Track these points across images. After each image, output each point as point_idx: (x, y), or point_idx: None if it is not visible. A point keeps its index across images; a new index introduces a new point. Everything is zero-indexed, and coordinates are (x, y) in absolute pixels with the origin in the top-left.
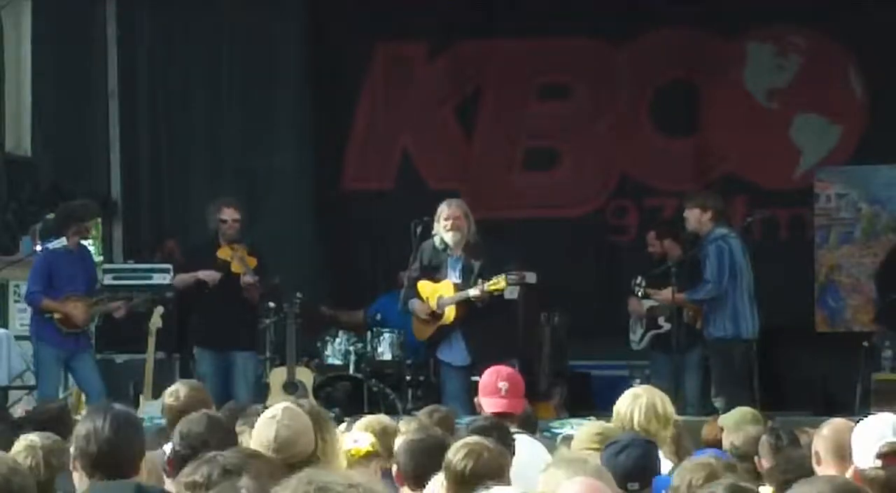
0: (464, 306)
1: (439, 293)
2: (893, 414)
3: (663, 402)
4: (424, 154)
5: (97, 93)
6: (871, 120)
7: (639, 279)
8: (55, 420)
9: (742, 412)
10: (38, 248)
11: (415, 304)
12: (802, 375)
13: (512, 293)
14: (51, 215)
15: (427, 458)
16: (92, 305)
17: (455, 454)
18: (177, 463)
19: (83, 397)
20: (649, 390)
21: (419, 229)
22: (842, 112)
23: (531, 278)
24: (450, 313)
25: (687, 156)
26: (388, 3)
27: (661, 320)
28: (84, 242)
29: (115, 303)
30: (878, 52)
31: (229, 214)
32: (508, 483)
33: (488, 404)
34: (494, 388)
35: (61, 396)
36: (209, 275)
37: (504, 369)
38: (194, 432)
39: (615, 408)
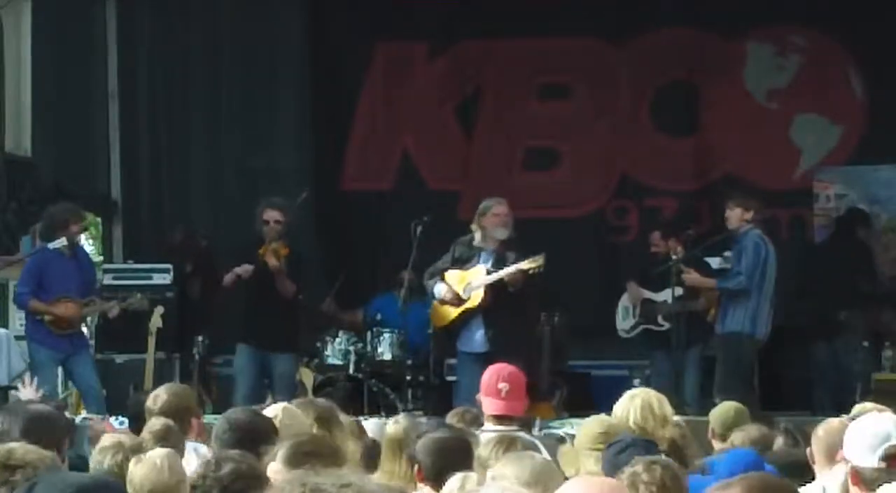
0: (491, 291)
1: (468, 280)
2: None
3: (660, 402)
4: (424, 154)
5: (97, 93)
6: (871, 120)
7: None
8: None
9: (726, 407)
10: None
11: (441, 288)
12: (802, 375)
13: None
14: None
15: (449, 457)
16: (83, 306)
17: (484, 447)
18: None
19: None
20: (646, 391)
21: (419, 229)
22: (842, 112)
23: None
24: (476, 298)
25: (687, 156)
26: (388, 3)
27: (660, 318)
28: (83, 245)
29: (107, 303)
30: (878, 53)
31: (272, 215)
32: None
33: (487, 405)
34: (494, 389)
35: (61, 396)
36: (243, 269)
37: (506, 369)
38: None
39: (613, 410)
